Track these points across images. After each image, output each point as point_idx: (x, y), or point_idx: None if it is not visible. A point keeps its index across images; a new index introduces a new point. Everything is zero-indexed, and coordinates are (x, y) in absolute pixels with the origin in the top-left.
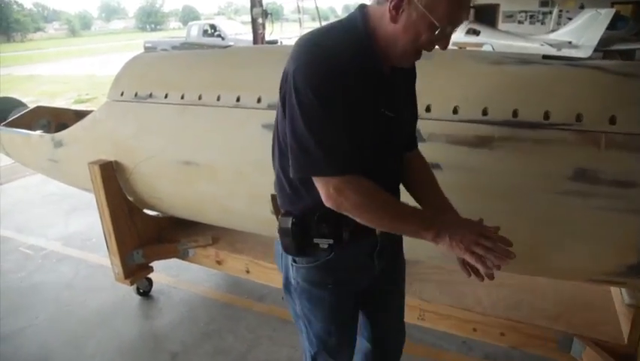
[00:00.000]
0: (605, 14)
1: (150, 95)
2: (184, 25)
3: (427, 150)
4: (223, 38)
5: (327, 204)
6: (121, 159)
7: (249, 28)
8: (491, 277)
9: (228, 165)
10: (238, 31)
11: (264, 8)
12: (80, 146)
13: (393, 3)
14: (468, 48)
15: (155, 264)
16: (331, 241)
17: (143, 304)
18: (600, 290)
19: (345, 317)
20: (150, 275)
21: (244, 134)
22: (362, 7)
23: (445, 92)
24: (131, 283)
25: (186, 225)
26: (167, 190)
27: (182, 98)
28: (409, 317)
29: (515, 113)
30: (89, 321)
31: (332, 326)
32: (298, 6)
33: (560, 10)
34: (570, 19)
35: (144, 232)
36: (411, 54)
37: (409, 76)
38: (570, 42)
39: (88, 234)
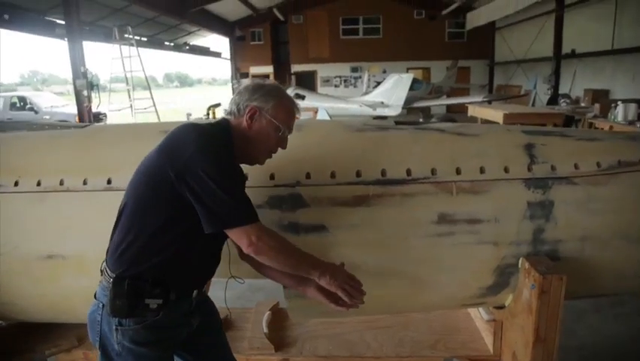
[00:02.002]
0: (407, 78)
1: None
2: None
3: (311, 213)
4: (37, 112)
5: (248, 250)
6: None
7: (65, 100)
8: (355, 306)
9: (101, 254)
10: (54, 103)
11: (88, 80)
12: None
13: (249, 114)
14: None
15: None
16: (160, 301)
17: None
18: (461, 313)
19: None
20: None
21: None
22: (226, 120)
23: (322, 159)
24: None
25: (41, 330)
26: (23, 292)
27: (39, 184)
28: None
29: (384, 173)
30: None
31: None
32: (126, 78)
33: (368, 75)
34: (377, 82)
35: None
36: (265, 154)
37: (244, 181)
38: (382, 102)
39: None
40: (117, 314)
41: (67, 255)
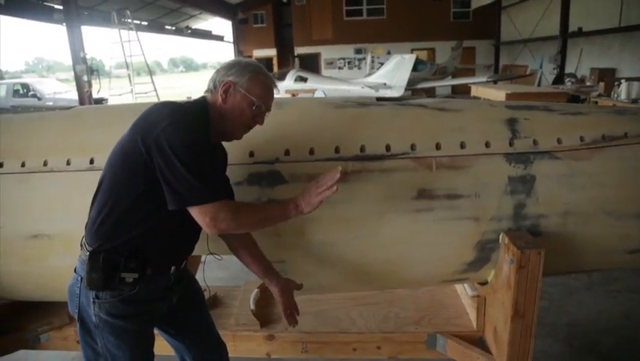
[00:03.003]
0: (409, 59)
1: None
2: None
3: (290, 190)
4: (40, 99)
5: (209, 231)
6: None
7: (68, 86)
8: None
9: None
10: (57, 89)
11: (88, 65)
12: None
13: (223, 88)
14: (300, 94)
15: None
16: (136, 275)
17: None
18: (448, 290)
19: (148, 344)
20: None
21: None
22: (204, 97)
23: (301, 136)
24: None
25: (31, 308)
26: (10, 271)
27: (23, 165)
28: (293, 352)
29: (363, 149)
30: None
31: (137, 355)
32: (126, 62)
33: (372, 57)
34: (382, 63)
35: None
36: (240, 128)
37: (224, 158)
38: (385, 83)
39: None
40: (93, 287)
41: (52, 234)
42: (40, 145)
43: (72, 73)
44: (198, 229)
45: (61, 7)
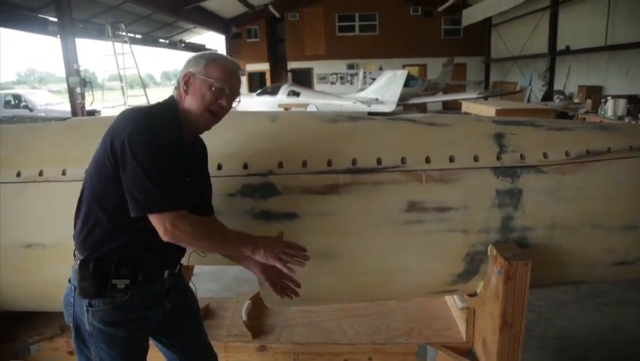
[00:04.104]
0: (401, 75)
1: None
2: None
3: (283, 201)
4: (31, 110)
5: (165, 238)
6: None
7: (61, 98)
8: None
9: None
10: (49, 101)
11: (81, 77)
12: None
13: (184, 80)
14: (293, 108)
15: None
16: (128, 282)
17: None
18: (439, 302)
19: (141, 353)
20: None
21: None
22: (173, 97)
23: (294, 149)
24: None
25: (22, 318)
26: (5, 280)
27: (19, 175)
28: None
29: (354, 162)
30: None
31: None
32: (120, 75)
33: (364, 72)
34: (373, 79)
35: None
36: (204, 114)
37: (203, 155)
38: (377, 99)
39: None
40: (86, 295)
41: (46, 244)
42: (36, 155)
43: (64, 84)
44: None
45: (55, 20)
